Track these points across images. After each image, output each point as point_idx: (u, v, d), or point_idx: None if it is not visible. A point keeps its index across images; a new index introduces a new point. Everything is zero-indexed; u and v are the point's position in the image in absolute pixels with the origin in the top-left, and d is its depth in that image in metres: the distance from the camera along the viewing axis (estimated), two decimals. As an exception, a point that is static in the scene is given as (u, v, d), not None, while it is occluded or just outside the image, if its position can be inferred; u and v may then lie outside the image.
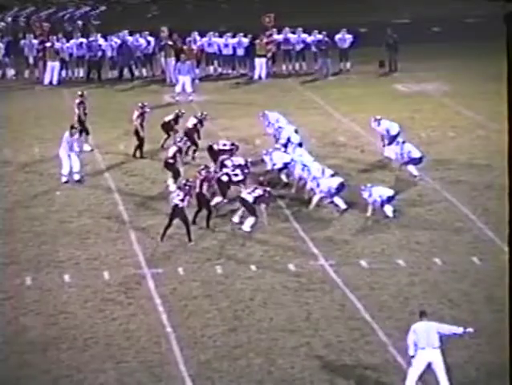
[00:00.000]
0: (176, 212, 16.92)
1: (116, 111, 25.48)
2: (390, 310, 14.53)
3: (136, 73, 29.52)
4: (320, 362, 13.09)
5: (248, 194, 17.58)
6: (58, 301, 14.95)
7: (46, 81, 28.57)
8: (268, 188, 17.89)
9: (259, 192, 17.56)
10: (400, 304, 14.69)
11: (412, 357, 12.21)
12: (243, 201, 17.61)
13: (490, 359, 12.75)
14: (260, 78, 29.43)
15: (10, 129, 23.34)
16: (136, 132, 21.31)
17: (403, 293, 15.10)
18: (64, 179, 19.83)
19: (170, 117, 21.90)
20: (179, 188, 17.39)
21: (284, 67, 30.27)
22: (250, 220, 17.50)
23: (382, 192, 18.12)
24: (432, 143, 22.67)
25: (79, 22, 32.03)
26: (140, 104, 21.49)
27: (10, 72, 29.14)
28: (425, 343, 12.06)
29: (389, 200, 18.09)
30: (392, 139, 21.14)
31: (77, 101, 21.89)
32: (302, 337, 13.74)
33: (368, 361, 13.09)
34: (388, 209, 18.01)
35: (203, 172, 17.94)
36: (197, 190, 17.64)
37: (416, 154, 20.17)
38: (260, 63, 29.41)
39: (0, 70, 29.02)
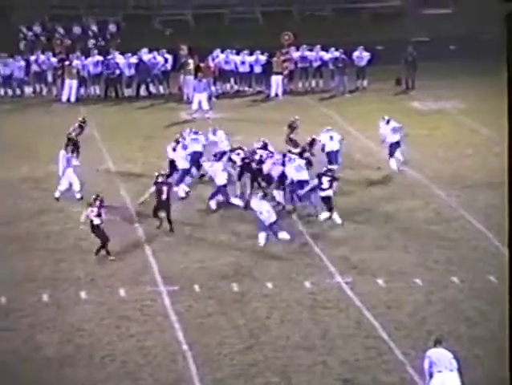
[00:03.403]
0: (93, 228, 16.98)
1: (133, 128, 25.58)
2: (407, 328, 14.44)
3: (153, 90, 29.65)
4: (336, 380, 13.02)
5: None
6: (75, 318, 14.96)
7: (64, 98, 28.74)
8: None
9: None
10: (417, 323, 14.60)
11: (430, 378, 12.12)
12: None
13: (508, 377, 12.61)
14: (277, 95, 29.49)
15: (27, 146, 23.46)
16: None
17: (420, 311, 15.02)
18: (57, 194, 19.79)
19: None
20: (90, 204, 17.24)
21: (301, 85, 30.33)
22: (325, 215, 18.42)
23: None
24: (449, 161, 22.61)
25: (98, 40, 32.27)
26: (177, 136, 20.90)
27: (29, 90, 29.34)
28: (443, 367, 11.97)
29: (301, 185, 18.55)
30: (397, 146, 21.42)
31: (76, 124, 21.89)
32: (318, 355, 13.68)
33: (385, 380, 13.01)
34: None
35: (160, 179, 18.36)
36: (164, 197, 18.14)
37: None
38: (276, 81, 29.48)
39: (18, 87, 29.23)
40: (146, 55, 29.51)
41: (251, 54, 29.83)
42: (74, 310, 15.21)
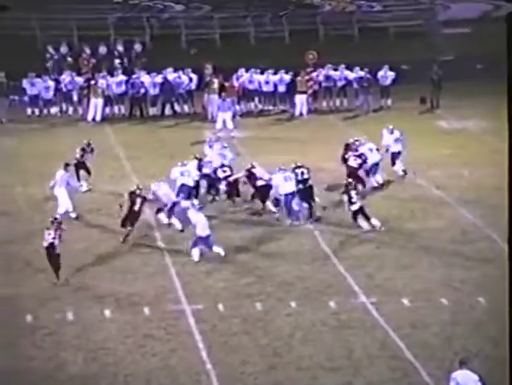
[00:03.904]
0: (48, 251, 16.73)
1: (158, 146, 25.69)
2: (433, 349, 14.32)
3: (178, 109, 29.78)
4: (361, 401, 12.93)
5: None
6: (99, 336, 14.98)
7: (90, 117, 28.93)
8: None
9: None
10: (443, 343, 14.48)
11: None
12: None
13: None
14: (301, 114, 29.51)
15: (53, 165, 23.59)
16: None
17: (445, 332, 14.89)
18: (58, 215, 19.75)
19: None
20: (47, 228, 16.97)
21: (325, 104, 30.34)
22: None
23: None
24: (474, 180, 22.47)
25: (124, 59, 32.51)
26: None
27: (55, 109, 29.58)
28: None
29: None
30: (398, 155, 21.97)
31: (81, 147, 21.97)
32: (342, 376, 13.59)
33: (410, 401, 12.89)
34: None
35: (138, 191, 18.80)
36: (137, 208, 18.59)
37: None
38: (301, 100, 29.50)
39: (45, 107, 29.47)
40: (171, 74, 29.65)
41: (275, 73, 29.91)
42: (98, 329, 15.24)
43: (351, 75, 30.06)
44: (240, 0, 39.15)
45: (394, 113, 29.48)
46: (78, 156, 21.88)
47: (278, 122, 28.97)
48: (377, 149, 21.98)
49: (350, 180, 19.96)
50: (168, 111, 29.56)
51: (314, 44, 32.58)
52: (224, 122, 26.85)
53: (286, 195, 19.68)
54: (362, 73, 29.78)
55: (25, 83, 29.16)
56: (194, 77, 29.75)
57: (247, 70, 29.89)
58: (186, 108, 29.88)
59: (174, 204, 19.57)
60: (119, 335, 14.98)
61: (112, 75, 29.59)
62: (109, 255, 18.20)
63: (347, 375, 13.60)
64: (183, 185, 20.33)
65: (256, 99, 30.13)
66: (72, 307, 15.96)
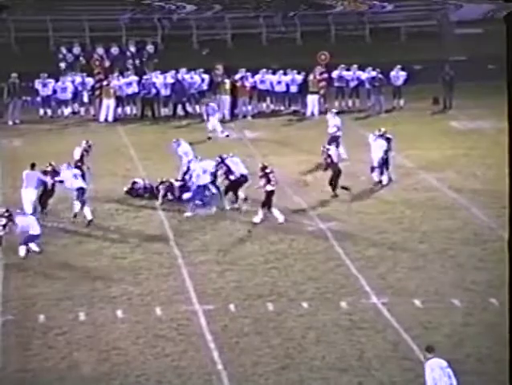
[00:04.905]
0: None
1: (170, 146, 25.69)
2: (444, 350, 14.24)
3: (190, 110, 29.79)
4: (373, 402, 12.89)
5: None
6: (111, 336, 15.00)
7: (102, 118, 29.00)
8: None
9: None
10: (455, 345, 14.41)
11: None
12: None
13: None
14: (313, 114, 29.47)
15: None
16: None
17: (457, 333, 14.83)
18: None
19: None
20: (1, 215, 17.78)
21: (337, 104, 30.29)
22: None
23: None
24: (488, 181, 22.39)
25: (136, 60, 32.57)
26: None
27: (67, 110, 29.65)
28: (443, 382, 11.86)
29: None
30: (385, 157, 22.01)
31: (82, 148, 21.81)
32: (354, 376, 13.56)
33: (422, 402, 12.83)
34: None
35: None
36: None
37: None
38: (312, 100, 29.47)
39: (58, 107, 29.55)
40: (182, 75, 29.67)
41: (287, 73, 29.86)
42: (110, 329, 15.25)
43: (364, 75, 30.02)
44: (251, 0, 39.19)
45: (406, 113, 29.43)
46: (78, 156, 21.64)
47: (290, 122, 28.95)
48: (388, 139, 22.07)
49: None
50: (180, 111, 29.60)
51: (325, 44, 32.55)
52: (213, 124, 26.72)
53: (199, 186, 20.28)
54: (374, 73, 29.73)
55: (37, 84, 29.26)
56: (206, 77, 29.78)
57: (257, 71, 29.84)
58: (198, 109, 29.91)
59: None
60: (130, 336, 14.99)
61: (124, 77, 29.64)
62: (121, 255, 18.21)
63: (358, 376, 13.57)
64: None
65: (268, 100, 30.13)
66: (84, 308, 15.98)
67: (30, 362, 14.19)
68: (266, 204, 19.74)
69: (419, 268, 17.40)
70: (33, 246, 18.19)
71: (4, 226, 17.83)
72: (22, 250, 18.10)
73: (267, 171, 20.10)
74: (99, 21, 36.69)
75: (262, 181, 19.94)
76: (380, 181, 22.02)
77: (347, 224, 19.66)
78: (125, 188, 21.48)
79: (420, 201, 21.16)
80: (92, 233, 19.48)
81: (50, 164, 20.16)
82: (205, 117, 27.65)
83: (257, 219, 19.68)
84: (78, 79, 29.59)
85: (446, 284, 16.67)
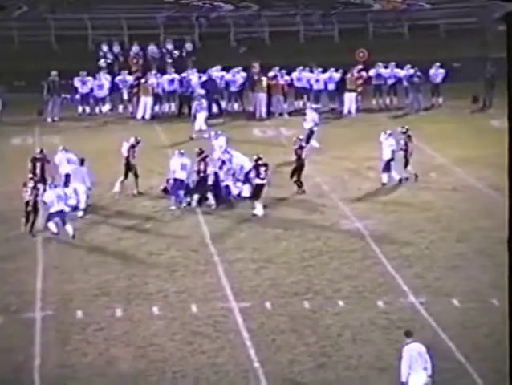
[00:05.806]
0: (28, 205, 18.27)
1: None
2: (484, 350, 14.12)
3: (226, 108, 29.80)
4: (410, 402, 12.78)
5: None
6: (148, 333, 15.07)
7: (139, 116, 29.15)
8: None
9: None
10: (494, 344, 14.26)
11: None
12: None
13: None
14: (350, 112, 29.35)
15: (105, 163, 23.78)
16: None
17: (497, 332, 14.67)
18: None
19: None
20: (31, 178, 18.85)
21: (374, 102, 30.13)
22: None
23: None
24: (527, 180, 22.09)
25: (174, 58, 32.69)
26: None
27: (106, 107, 29.87)
28: (419, 367, 11.77)
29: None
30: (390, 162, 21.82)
31: (130, 145, 21.90)
32: (392, 376, 13.47)
33: (460, 403, 12.73)
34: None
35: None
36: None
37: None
38: (350, 98, 29.34)
39: (96, 105, 29.78)
40: (218, 73, 29.72)
41: (324, 71, 29.77)
42: (147, 325, 15.32)
43: (402, 73, 29.82)
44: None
45: (445, 112, 29.19)
46: (130, 154, 21.80)
47: (327, 120, 28.85)
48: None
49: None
50: (215, 109, 29.61)
51: (363, 42, 32.39)
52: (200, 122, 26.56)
53: (175, 180, 20.53)
54: (412, 71, 29.52)
55: (76, 82, 29.50)
56: (243, 75, 29.77)
57: (294, 69, 29.75)
58: (236, 107, 29.92)
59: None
60: (167, 332, 15.05)
61: (162, 74, 29.77)
62: (157, 252, 18.28)
63: (396, 376, 13.47)
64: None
65: (305, 97, 30.06)
66: (121, 304, 16.07)
67: (70, 358, 14.31)
68: (256, 196, 19.79)
69: (456, 267, 17.25)
70: (51, 226, 18.66)
71: (33, 188, 18.54)
72: (52, 226, 18.61)
73: (259, 163, 20.00)
74: (137, 19, 36.89)
75: (253, 173, 19.94)
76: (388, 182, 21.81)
77: (383, 222, 19.57)
78: (161, 187, 21.56)
79: (458, 200, 20.98)
80: (130, 230, 19.58)
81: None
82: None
83: (258, 211, 19.63)
84: (118, 77, 29.78)
85: (484, 283, 16.51)
